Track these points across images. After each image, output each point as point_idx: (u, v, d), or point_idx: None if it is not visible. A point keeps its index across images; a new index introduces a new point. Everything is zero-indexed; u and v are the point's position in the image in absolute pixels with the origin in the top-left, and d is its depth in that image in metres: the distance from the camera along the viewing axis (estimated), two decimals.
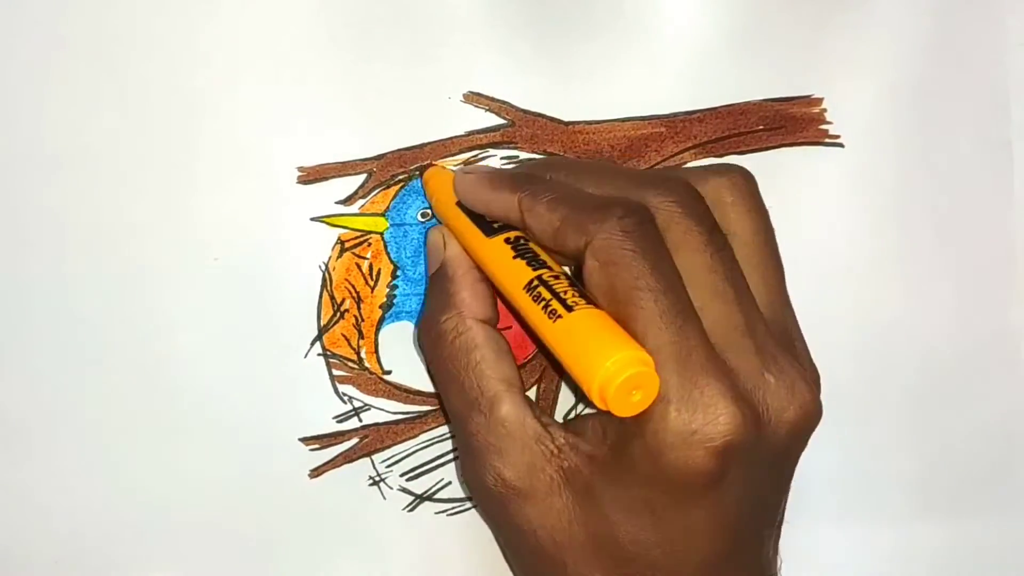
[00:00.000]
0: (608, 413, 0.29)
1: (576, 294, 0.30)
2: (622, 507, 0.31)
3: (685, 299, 0.30)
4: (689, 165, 0.38)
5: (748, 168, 0.35)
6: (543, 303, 0.30)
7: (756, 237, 0.33)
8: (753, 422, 0.29)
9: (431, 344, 0.34)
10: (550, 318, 0.30)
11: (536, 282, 0.31)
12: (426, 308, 0.35)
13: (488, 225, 0.34)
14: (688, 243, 0.31)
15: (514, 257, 0.32)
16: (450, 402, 0.33)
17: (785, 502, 0.34)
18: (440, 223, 0.36)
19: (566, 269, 0.32)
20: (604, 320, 0.30)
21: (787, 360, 0.31)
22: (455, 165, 0.37)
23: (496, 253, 0.33)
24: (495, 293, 0.34)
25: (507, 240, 0.33)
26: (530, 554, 0.32)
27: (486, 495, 0.32)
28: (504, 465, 0.32)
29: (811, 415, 0.31)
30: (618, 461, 0.30)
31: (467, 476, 0.33)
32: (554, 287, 0.31)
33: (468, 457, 0.33)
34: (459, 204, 0.35)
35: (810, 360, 0.33)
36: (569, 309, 0.30)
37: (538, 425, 0.32)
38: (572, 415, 0.38)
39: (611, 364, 0.28)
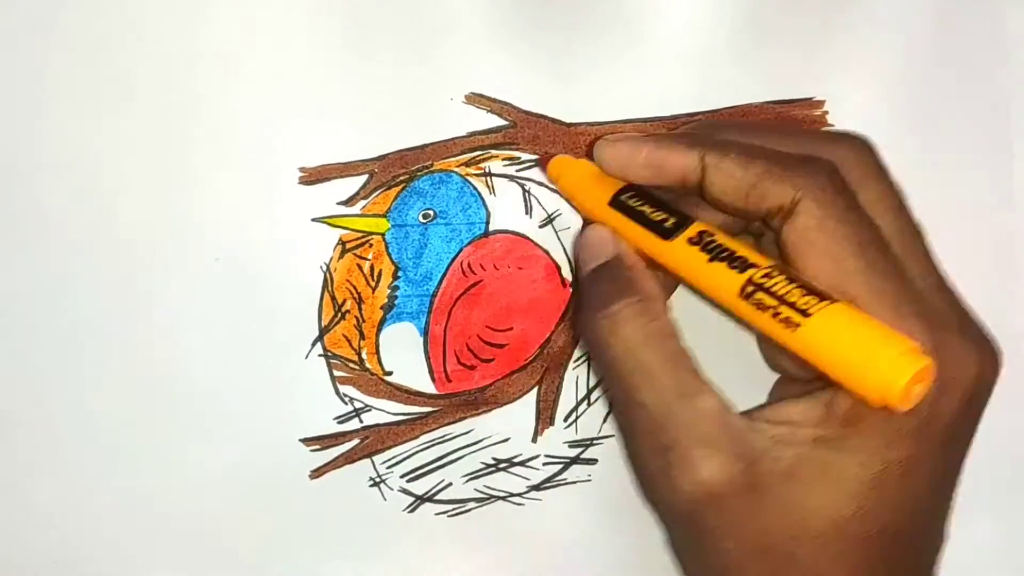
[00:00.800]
0: (824, 392, 0.29)
1: (802, 291, 0.28)
2: (866, 477, 0.29)
3: (896, 255, 0.30)
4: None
5: None
6: (770, 311, 0.28)
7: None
8: (992, 366, 0.30)
9: (612, 329, 0.30)
10: (787, 327, 0.28)
11: (750, 287, 0.29)
12: (597, 296, 0.31)
13: (658, 225, 0.31)
14: (881, 201, 0.31)
15: (710, 260, 0.30)
16: (635, 395, 0.30)
17: None
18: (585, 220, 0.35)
19: (769, 261, 0.30)
20: (851, 316, 0.28)
21: (968, 313, 0.31)
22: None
23: (685, 257, 0.30)
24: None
25: (691, 240, 0.31)
26: (752, 557, 0.29)
27: (698, 496, 0.29)
28: (725, 458, 0.29)
29: (996, 365, 0.30)
30: (860, 431, 0.29)
31: (667, 477, 0.30)
32: (774, 290, 0.29)
33: (672, 454, 0.29)
34: (614, 204, 0.32)
35: None
36: (805, 314, 0.28)
37: (743, 419, 0.30)
38: (572, 416, 0.38)
39: (888, 368, 0.27)
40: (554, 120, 0.37)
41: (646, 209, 0.32)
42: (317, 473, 0.37)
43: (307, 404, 0.37)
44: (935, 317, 0.29)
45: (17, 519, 0.36)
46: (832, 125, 0.38)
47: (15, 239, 0.35)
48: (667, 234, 0.31)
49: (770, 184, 0.29)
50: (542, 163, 0.36)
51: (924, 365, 0.27)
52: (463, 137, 0.37)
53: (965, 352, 0.29)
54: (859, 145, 0.32)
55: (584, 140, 0.37)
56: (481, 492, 0.38)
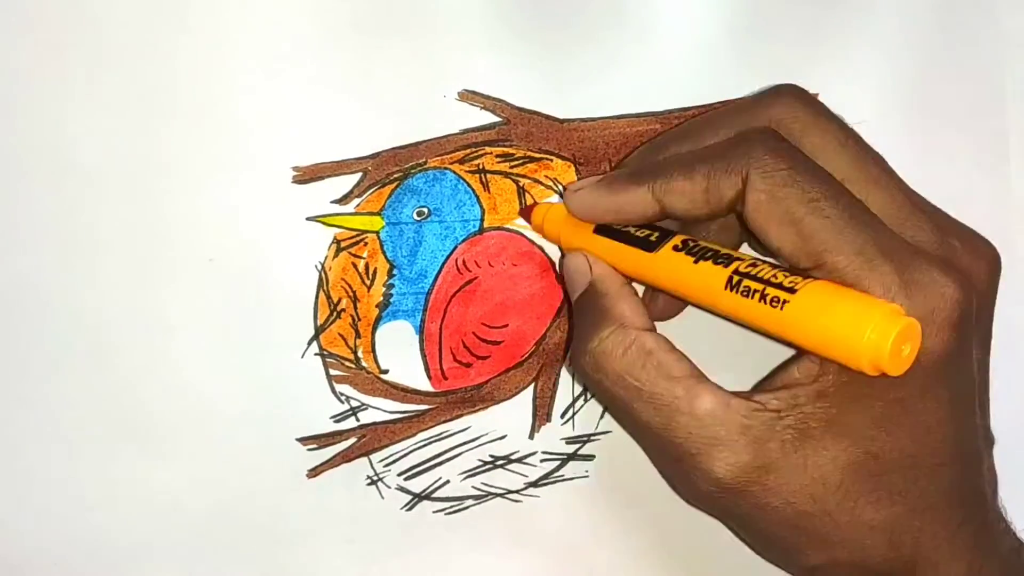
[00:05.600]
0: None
1: (783, 273, 0.29)
2: (870, 422, 0.30)
3: (853, 195, 0.30)
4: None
5: None
6: (757, 295, 0.29)
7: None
8: (970, 286, 0.30)
9: (596, 365, 0.32)
10: (773, 307, 0.29)
11: (736, 277, 0.30)
12: (578, 331, 0.33)
13: (643, 240, 0.32)
14: (829, 143, 0.31)
15: (696, 261, 0.31)
16: (637, 418, 0.31)
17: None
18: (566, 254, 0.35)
19: (751, 252, 0.31)
20: (832, 289, 0.29)
21: (956, 221, 0.31)
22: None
23: (672, 264, 0.31)
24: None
25: (676, 248, 0.32)
26: (789, 526, 0.31)
27: (721, 492, 0.30)
28: (733, 452, 0.30)
29: (998, 261, 0.32)
30: (856, 380, 0.29)
31: (688, 482, 0.31)
32: (758, 275, 0.29)
33: (685, 463, 0.31)
34: (598, 231, 0.34)
35: None
36: (791, 291, 0.29)
37: (742, 401, 0.30)
38: (569, 412, 0.38)
39: (872, 332, 0.27)
40: (547, 116, 0.37)
41: (630, 229, 0.34)
42: (314, 472, 0.37)
43: (303, 403, 0.37)
44: (903, 252, 0.29)
45: (16, 519, 0.36)
46: None
47: (10, 240, 0.35)
48: (652, 247, 0.32)
49: (718, 180, 0.30)
50: (525, 214, 0.37)
51: (904, 325, 0.28)
52: (457, 134, 0.37)
53: (939, 280, 0.29)
54: (790, 98, 0.32)
55: (577, 136, 0.37)
56: (479, 489, 0.38)
